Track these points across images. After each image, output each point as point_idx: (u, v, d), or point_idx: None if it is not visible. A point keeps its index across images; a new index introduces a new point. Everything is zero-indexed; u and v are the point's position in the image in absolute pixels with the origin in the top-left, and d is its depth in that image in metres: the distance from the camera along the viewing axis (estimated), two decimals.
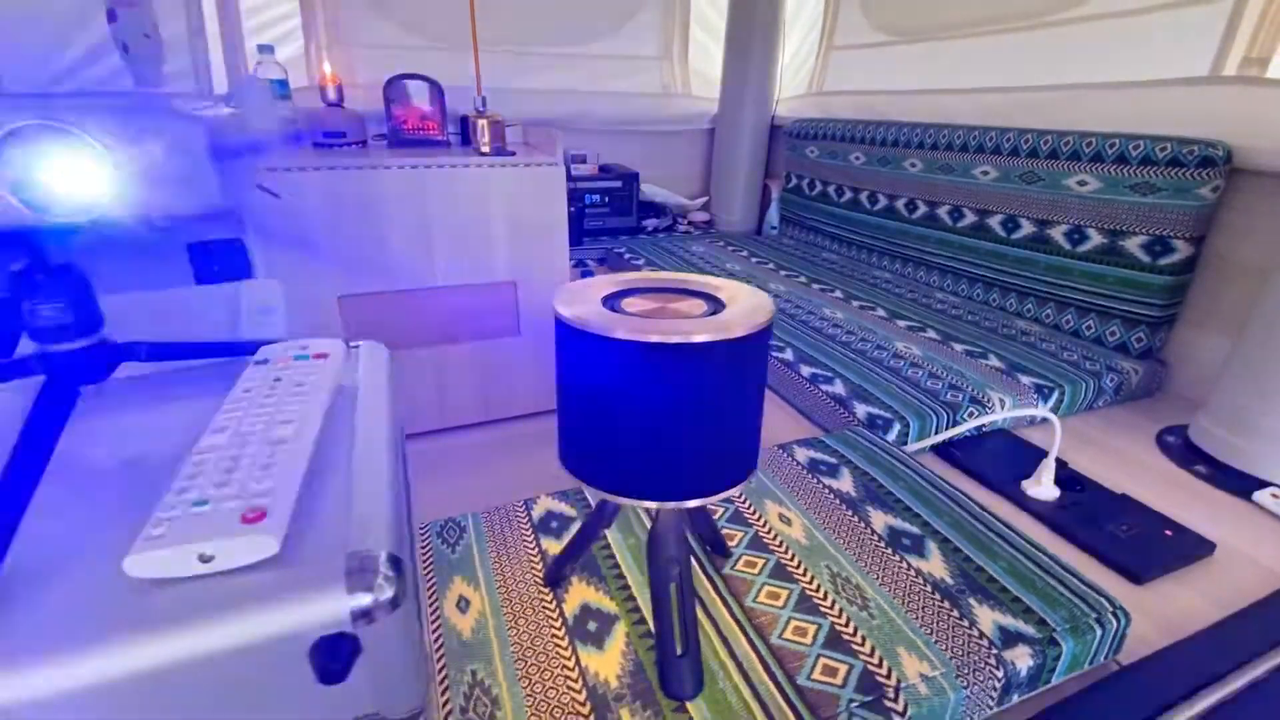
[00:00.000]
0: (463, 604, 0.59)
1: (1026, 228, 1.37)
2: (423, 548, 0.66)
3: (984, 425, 1.01)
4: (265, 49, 1.76)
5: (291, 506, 0.31)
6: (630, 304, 0.47)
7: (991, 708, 0.55)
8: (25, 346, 0.38)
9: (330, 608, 0.28)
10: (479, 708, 0.49)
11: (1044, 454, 0.90)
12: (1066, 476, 0.91)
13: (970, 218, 1.50)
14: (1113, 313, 1.23)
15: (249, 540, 0.28)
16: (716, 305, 0.48)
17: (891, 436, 0.94)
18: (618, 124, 2.36)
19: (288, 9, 1.94)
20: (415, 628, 0.32)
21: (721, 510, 0.73)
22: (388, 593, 0.29)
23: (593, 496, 0.74)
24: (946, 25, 1.67)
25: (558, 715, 0.48)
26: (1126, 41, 1.29)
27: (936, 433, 0.97)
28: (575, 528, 0.69)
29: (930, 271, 1.64)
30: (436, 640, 0.55)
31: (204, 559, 0.28)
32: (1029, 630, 0.57)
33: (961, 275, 1.54)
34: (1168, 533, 0.80)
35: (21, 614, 0.26)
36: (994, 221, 1.45)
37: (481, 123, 1.83)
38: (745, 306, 0.47)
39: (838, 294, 1.55)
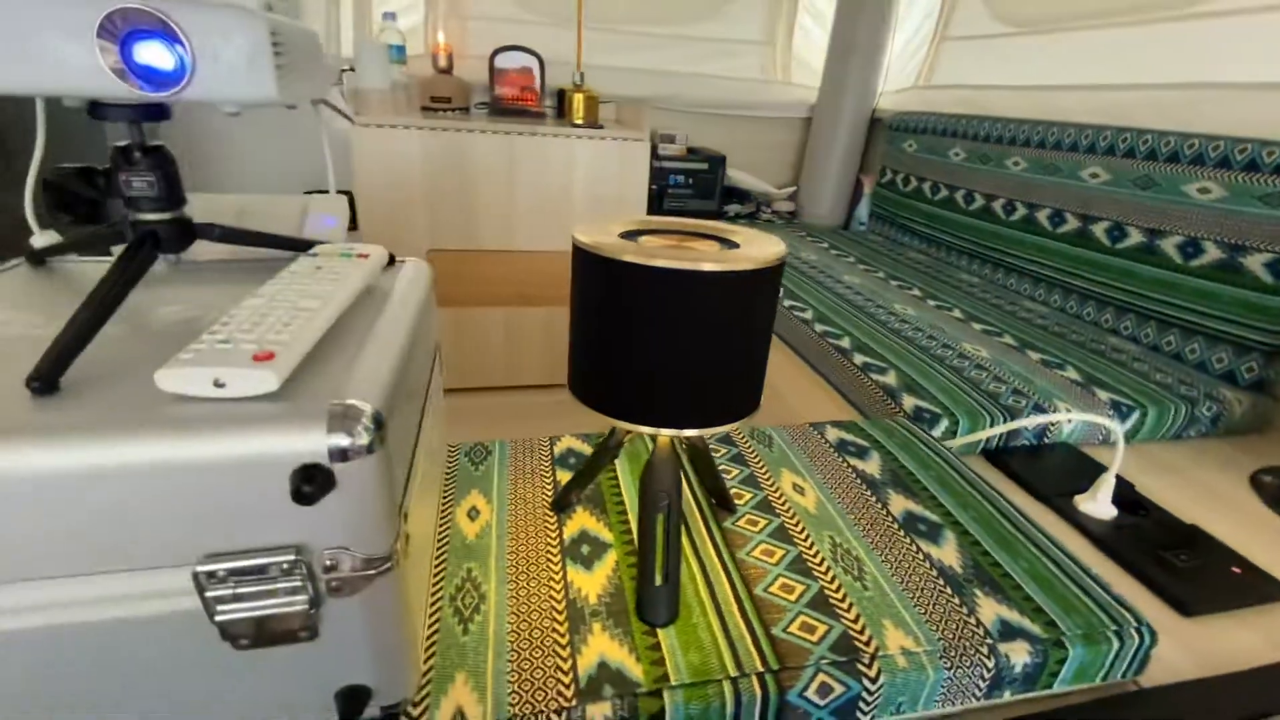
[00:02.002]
0: (473, 513, 0.63)
1: (1134, 236, 1.26)
2: (450, 462, 0.71)
3: (1038, 428, 0.95)
4: (388, 16, 1.90)
5: (299, 357, 0.36)
6: (647, 240, 0.49)
7: (978, 698, 0.53)
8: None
9: (311, 442, 0.32)
10: (466, 598, 0.53)
11: (1128, 490, 0.83)
12: (1130, 499, 0.84)
13: (1072, 223, 1.39)
14: (1223, 337, 1.11)
15: (255, 374, 0.33)
16: (730, 247, 0.48)
17: (937, 433, 0.90)
18: (712, 107, 2.35)
19: None
20: (389, 484, 0.36)
21: (736, 471, 0.74)
22: (364, 439, 0.33)
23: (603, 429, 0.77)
24: (1074, 14, 1.54)
25: (535, 617, 0.51)
26: (1267, 39, 1.14)
27: (990, 437, 0.92)
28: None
29: (1022, 279, 1.53)
30: (443, 539, 0.59)
31: (217, 384, 0.32)
32: (1033, 629, 0.54)
33: (1055, 284, 1.43)
34: (1235, 570, 0.72)
35: (73, 407, 0.32)
36: (1098, 228, 1.33)
37: (577, 97, 1.90)
38: (756, 248, 0.47)
39: (915, 292, 1.48)
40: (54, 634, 0.33)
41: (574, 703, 0.45)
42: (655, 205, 2.19)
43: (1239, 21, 1.18)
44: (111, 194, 0.42)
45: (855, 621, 0.53)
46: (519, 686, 0.45)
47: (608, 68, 2.22)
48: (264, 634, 0.36)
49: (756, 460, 0.76)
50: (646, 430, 0.48)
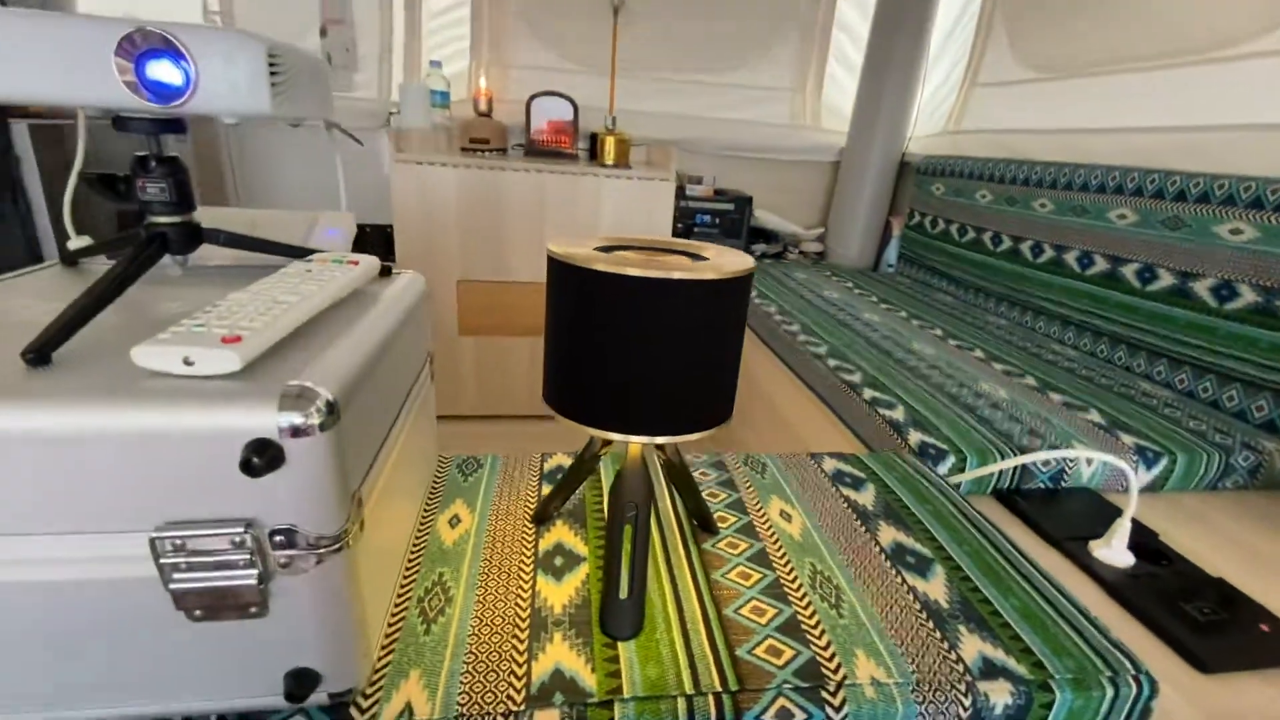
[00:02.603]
0: (454, 521, 0.64)
1: (1165, 279, 1.21)
2: (440, 473, 0.73)
3: (1053, 470, 0.91)
4: (434, 64, 2.03)
5: (267, 344, 0.38)
6: (620, 254, 0.51)
7: None
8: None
9: (263, 418, 0.34)
10: (433, 600, 0.53)
11: (1149, 538, 0.79)
12: (1150, 548, 0.79)
13: (1101, 264, 1.36)
14: (1263, 384, 1.05)
15: (221, 354, 0.35)
16: (699, 261, 0.50)
17: (943, 469, 0.87)
18: (740, 150, 2.41)
19: (461, 31, 2.22)
20: (340, 469, 0.38)
21: (724, 495, 0.73)
22: (315, 420, 0.35)
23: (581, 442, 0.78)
24: (1102, 60, 1.54)
25: (498, 623, 0.52)
26: None
27: (998, 474, 0.89)
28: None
29: (1050, 321, 1.49)
30: (420, 544, 0.60)
31: (187, 362, 0.35)
32: (1017, 669, 0.51)
33: (1085, 328, 1.39)
34: (1264, 627, 0.67)
35: (59, 378, 0.35)
36: (1128, 270, 1.29)
37: (608, 140, 1.98)
38: (725, 261, 0.48)
39: (936, 331, 1.46)
40: (19, 589, 0.35)
41: (522, 707, 0.44)
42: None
43: (1268, 64, 1.15)
44: (130, 198, 0.46)
45: (825, 649, 0.52)
46: (470, 688, 0.45)
47: (639, 112, 2.31)
48: (215, 606, 0.37)
49: (747, 486, 0.75)
50: (617, 437, 0.49)
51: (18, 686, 0.37)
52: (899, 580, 0.61)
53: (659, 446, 0.61)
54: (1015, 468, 0.89)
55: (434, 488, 0.70)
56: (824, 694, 0.48)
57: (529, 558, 0.60)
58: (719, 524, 0.67)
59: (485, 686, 0.46)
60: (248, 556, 0.36)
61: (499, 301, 1.88)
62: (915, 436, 0.92)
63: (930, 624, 0.55)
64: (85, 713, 0.39)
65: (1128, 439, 0.95)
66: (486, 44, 2.23)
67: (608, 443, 0.60)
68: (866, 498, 0.75)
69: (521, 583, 0.56)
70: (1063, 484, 0.92)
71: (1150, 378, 1.23)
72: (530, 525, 0.65)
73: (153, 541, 0.35)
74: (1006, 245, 1.65)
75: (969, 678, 0.50)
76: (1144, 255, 1.26)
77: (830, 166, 2.46)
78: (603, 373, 0.47)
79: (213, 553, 0.36)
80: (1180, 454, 0.94)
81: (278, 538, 0.36)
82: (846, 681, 0.49)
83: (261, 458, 0.34)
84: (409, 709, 0.44)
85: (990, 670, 0.51)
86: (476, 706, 0.44)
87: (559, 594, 0.55)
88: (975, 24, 2.04)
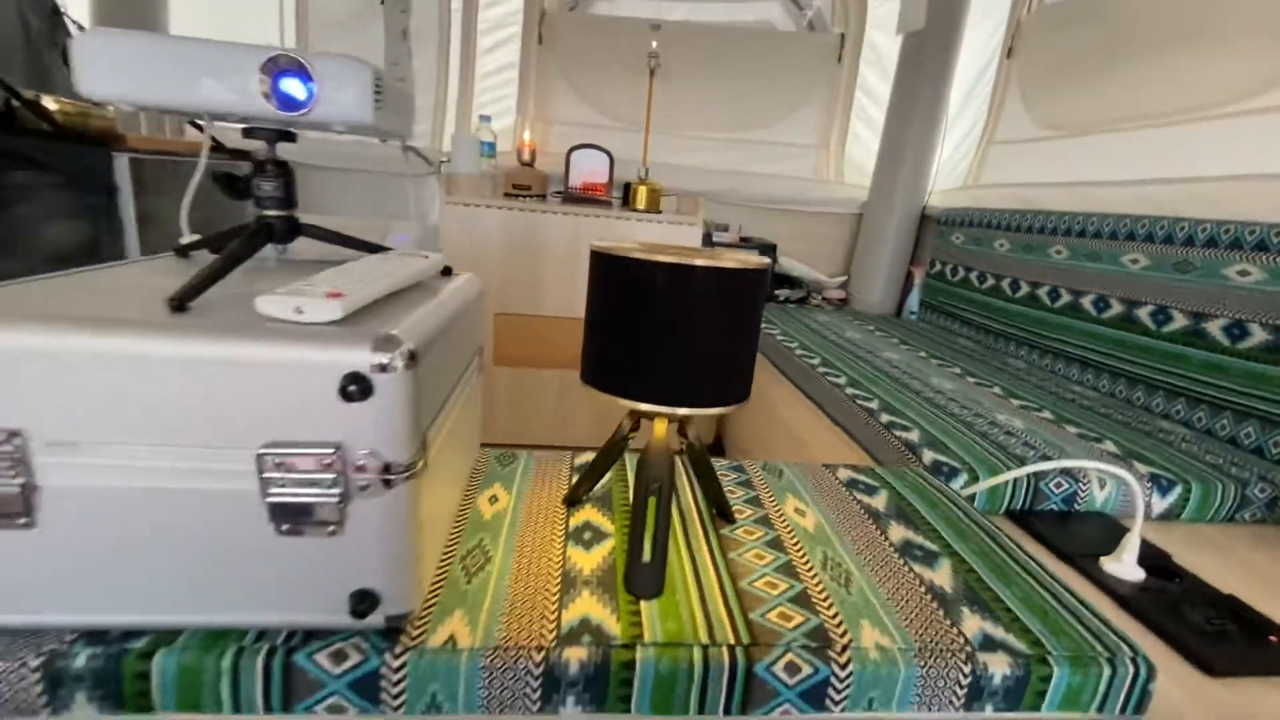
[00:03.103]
0: (493, 499, 0.70)
1: (1179, 320, 1.25)
2: (479, 463, 0.79)
3: (1067, 493, 0.93)
4: (484, 118, 2.21)
5: (362, 301, 0.46)
6: (653, 245, 0.59)
7: (956, 707, 0.53)
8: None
9: (359, 356, 0.41)
10: (474, 560, 0.59)
11: (1159, 556, 0.81)
12: (1161, 565, 0.81)
13: (1117, 308, 1.39)
14: (1278, 421, 1.06)
15: (326, 305, 0.43)
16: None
17: (956, 486, 0.91)
18: (766, 201, 2.52)
19: (509, 90, 2.42)
20: (414, 407, 0.45)
21: (741, 493, 0.77)
22: (399, 362, 0.42)
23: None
24: (1112, 119, 1.62)
25: (532, 580, 0.57)
26: None
27: (1011, 494, 0.92)
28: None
29: (1070, 364, 1.52)
30: (462, 517, 0.66)
31: (298, 310, 0.43)
32: (1017, 644, 0.54)
33: (1104, 370, 1.42)
34: (1272, 638, 0.68)
35: (198, 320, 0.43)
36: (1143, 313, 1.33)
37: (641, 189, 2.11)
38: (743, 257, 0.55)
39: (955, 370, 1.50)
40: (148, 495, 0.42)
41: (553, 644, 0.49)
42: None
43: (1267, 119, 1.22)
44: (247, 194, 0.56)
45: (833, 618, 0.55)
46: (507, 627, 0.50)
47: (671, 165, 2.45)
48: (301, 521, 0.44)
49: (764, 487, 0.80)
50: (646, 408, 0.55)
51: (130, 587, 0.44)
52: (906, 569, 0.64)
53: (681, 433, 0.67)
54: (1028, 488, 0.92)
55: (474, 474, 0.76)
56: (830, 653, 0.51)
57: (560, 531, 0.65)
58: (736, 515, 0.72)
59: (520, 626, 0.51)
60: (334, 476, 0.43)
61: (533, 334, 1.98)
62: (929, 455, 0.96)
63: (934, 604, 0.59)
64: (182, 618, 0.46)
65: (1143, 468, 0.97)
66: (532, 101, 2.41)
67: (635, 429, 0.66)
68: (879, 502, 0.79)
69: (553, 550, 0.62)
70: (1076, 507, 0.94)
71: (1168, 416, 1.25)
72: (561, 507, 0.70)
73: (259, 457, 0.42)
74: (1025, 291, 1.69)
75: (969, 648, 0.53)
76: (1157, 298, 1.30)
77: (853, 218, 2.56)
78: (637, 350, 0.54)
79: (305, 471, 0.43)
80: (1195, 483, 0.95)
81: (360, 461, 0.43)
82: (852, 644, 0.52)
83: (356, 387, 0.41)
84: (453, 639, 0.49)
85: (989, 644, 0.54)
86: (512, 641, 0.49)
87: (587, 560, 0.60)
88: (991, 87, 2.15)
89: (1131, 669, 0.54)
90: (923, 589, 0.61)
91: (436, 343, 0.50)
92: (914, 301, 2.32)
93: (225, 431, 0.42)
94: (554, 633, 0.50)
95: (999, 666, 0.52)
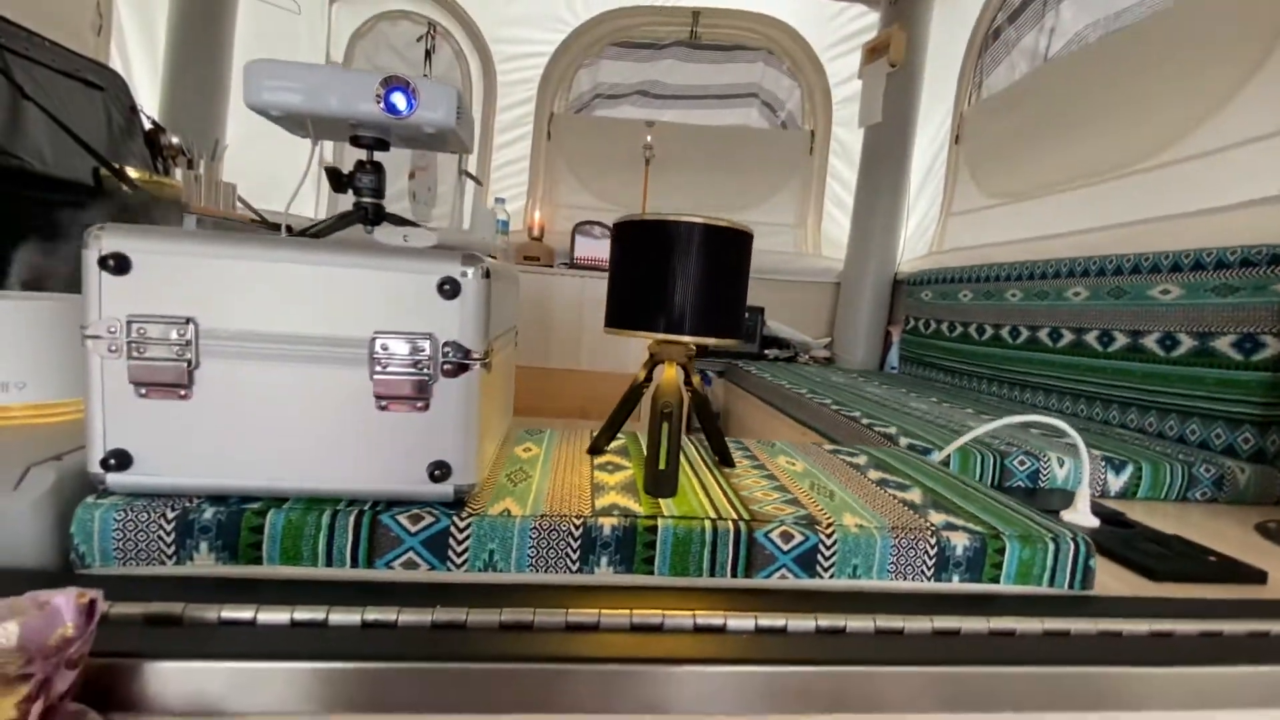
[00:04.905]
0: (526, 450, 0.81)
1: (1120, 339, 1.41)
2: (507, 437, 0.91)
3: (1029, 470, 1.04)
4: (499, 200, 2.47)
5: (450, 239, 0.61)
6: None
7: (927, 576, 0.62)
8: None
9: (453, 266, 0.56)
10: (516, 475, 0.70)
11: (1114, 512, 0.92)
12: (1115, 519, 0.91)
13: (1068, 337, 1.56)
14: (1215, 415, 1.19)
15: (425, 235, 0.58)
16: None
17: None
18: (754, 272, 2.75)
19: (521, 179, 2.71)
20: (485, 315, 0.58)
21: (739, 454, 0.89)
22: (481, 272, 0.57)
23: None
24: (1046, 184, 1.87)
25: (567, 488, 0.68)
26: (1204, 178, 1.40)
27: (980, 470, 1.03)
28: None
29: (1035, 393, 1.66)
30: (501, 459, 0.78)
31: (405, 239, 0.58)
32: (975, 528, 0.65)
33: (1065, 393, 1.56)
34: (1211, 558, 0.78)
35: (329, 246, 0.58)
36: (1090, 338, 1.49)
37: None
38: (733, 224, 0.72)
39: (932, 398, 1.63)
40: (281, 377, 0.55)
41: (590, 514, 0.60)
42: (702, 349, 2.49)
43: (1170, 171, 1.45)
44: (350, 186, 0.72)
45: (820, 510, 0.66)
46: (550, 506, 0.61)
47: None
48: (397, 396, 0.56)
49: (759, 451, 0.91)
50: (662, 336, 0.69)
51: (256, 458, 0.55)
52: (882, 491, 0.75)
53: (686, 382, 0.79)
54: (995, 466, 1.03)
55: (506, 442, 0.87)
56: (817, 528, 0.62)
57: (586, 465, 0.76)
58: (736, 464, 0.83)
59: (562, 504, 0.61)
60: (425, 357, 0.56)
61: (541, 386, 2.12)
62: (904, 441, 1.08)
63: (906, 509, 0.69)
64: (294, 485, 0.57)
65: (1097, 453, 1.09)
66: (541, 186, 2.70)
67: (648, 380, 0.79)
68: (859, 459, 0.90)
69: (582, 473, 0.73)
70: (1040, 484, 1.05)
71: (1125, 425, 1.37)
72: (586, 456, 0.81)
73: (372, 340, 0.55)
74: (989, 333, 1.87)
75: (933, 528, 0.64)
76: (1100, 323, 1.47)
77: (832, 286, 2.79)
78: (654, 289, 0.68)
79: (404, 356, 0.56)
80: (1145, 464, 1.07)
81: (446, 349, 0.56)
82: (835, 523, 0.63)
83: (449, 287, 0.55)
84: (507, 510, 0.59)
85: (951, 527, 0.65)
86: (556, 511, 0.60)
87: (611, 479, 0.71)
88: (945, 168, 2.45)
89: (1073, 546, 0.64)
90: (896, 502, 0.72)
91: (499, 280, 0.64)
92: (894, 357, 2.49)
93: (345, 324, 0.55)
94: (590, 509, 0.61)
95: (959, 540, 0.63)
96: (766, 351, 2.57)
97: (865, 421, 1.22)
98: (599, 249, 2.49)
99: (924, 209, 2.58)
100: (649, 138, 2.61)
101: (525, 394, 2.05)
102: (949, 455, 1.02)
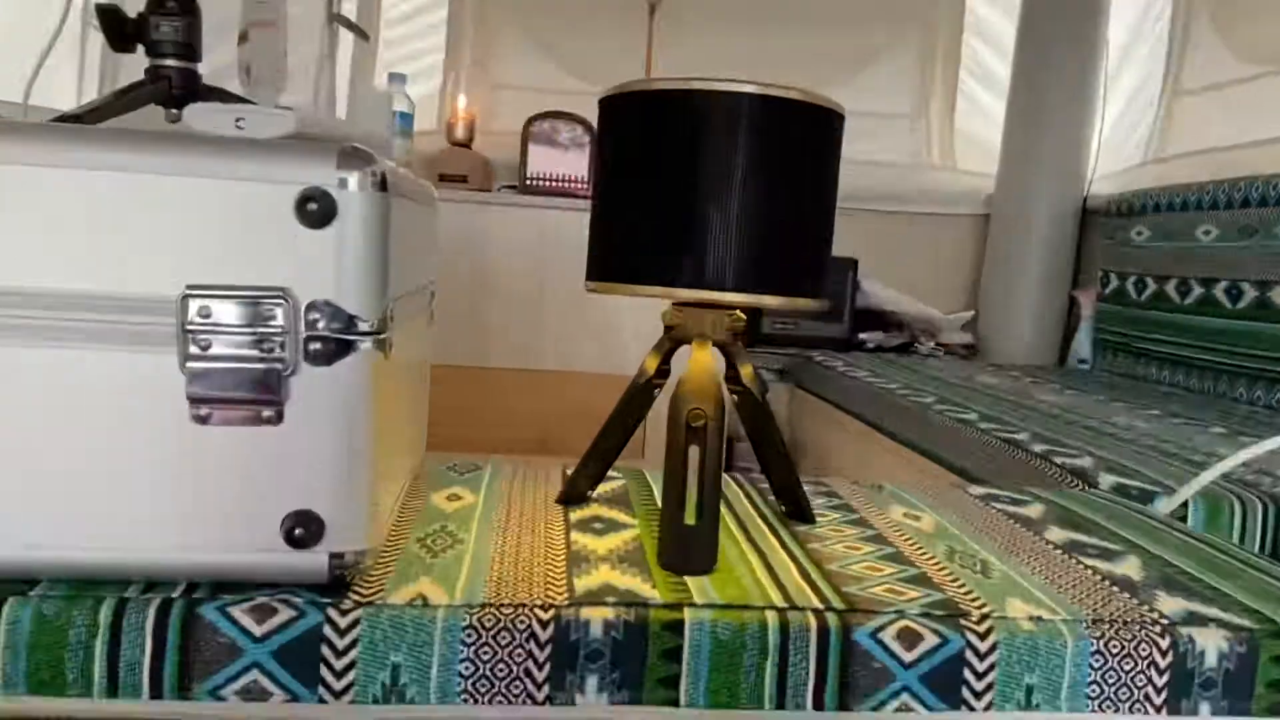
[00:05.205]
0: (453, 498, 0.82)
1: None
2: (419, 476, 0.91)
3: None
4: (396, 78, 2.48)
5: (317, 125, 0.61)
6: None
7: (1155, 705, 0.62)
8: None
9: (323, 171, 0.56)
10: (436, 540, 0.70)
11: None
12: None
13: None
14: None
15: (276, 117, 0.58)
16: None
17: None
18: (841, 200, 2.76)
19: (436, 40, 2.72)
20: (382, 250, 0.58)
21: (822, 500, 0.89)
22: (370, 180, 0.57)
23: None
24: None
25: (525, 560, 0.67)
26: None
27: (1244, 520, 1.03)
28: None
29: None
30: (411, 510, 0.78)
31: (239, 125, 0.58)
32: (1229, 617, 0.65)
33: None
34: None
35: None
36: None
37: None
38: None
39: (1153, 410, 1.64)
40: (41, 357, 0.55)
41: (565, 603, 0.60)
42: (752, 330, 2.50)
43: None
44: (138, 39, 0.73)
45: (966, 594, 0.66)
46: (497, 588, 0.61)
47: None
48: (229, 399, 0.56)
49: (854, 496, 0.92)
50: (686, 293, 0.68)
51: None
52: (1075, 564, 0.75)
53: (730, 372, 0.79)
54: (1269, 519, 1.04)
55: (416, 481, 0.88)
56: (964, 622, 0.62)
57: (559, 521, 0.76)
58: (817, 518, 0.83)
59: (517, 586, 0.61)
60: (275, 329, 0.55)
61: (479, 400, 2.11)
62: (1109, 479, 1.08)
63: (1115, 592, 0.69)
64: (40, 556, 0.56)
65: None
66: (469, 55, 2.71)
67: (662, 375, 0.79)
68: (1031, 511, 0.90)
69: (552, 536, 0.73)
70: None
71: None
72: (556, 508, 0.81)
73: (181, 302, 0.55)
74: (1252, 298, 1.87)
75: (1165, 621, 0.64)
76: None
77: (975, 221, 2.79)
78: (674, 216, 0.68)
79: (237, 328, 0.55)
80: None
81: (312, 315, 0.56)
82: (994, 613, 0.63)
83: (316, 205, 0.55)
84: (422, 597, 0.59)
85: (1196, 620, 0.64)
86: (507, 599, 0.59)
87: (603, 544, 0.71)
88: (1169, 18, 2.45)
89: None
90: (1098, 579, 0.72)
91: (408, 193, 0.64)
92: (1083, 344, 2.49)
93: (135, 274, 0.55)
94: (565, 594, 0.61)
95: (1212, 640, 0.63)
96: (862, 336, 2.57)
97: (1039, 449, 1.22)
98: (569, 161, 2.48)
99: (1132, 87, 2.58)
100: None
101: (448, 412, 2.06)
102: (1187, 502, 1.02)
